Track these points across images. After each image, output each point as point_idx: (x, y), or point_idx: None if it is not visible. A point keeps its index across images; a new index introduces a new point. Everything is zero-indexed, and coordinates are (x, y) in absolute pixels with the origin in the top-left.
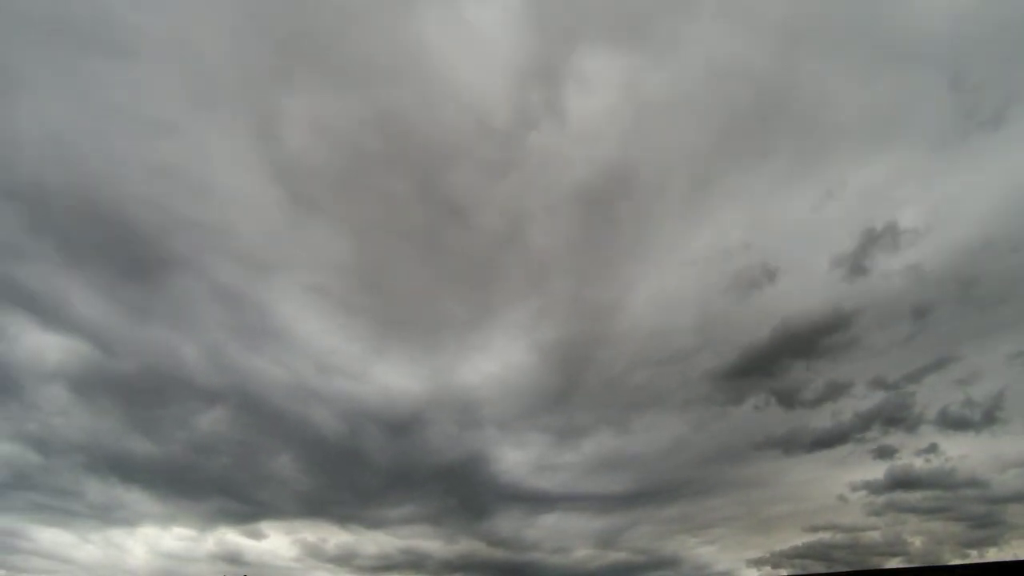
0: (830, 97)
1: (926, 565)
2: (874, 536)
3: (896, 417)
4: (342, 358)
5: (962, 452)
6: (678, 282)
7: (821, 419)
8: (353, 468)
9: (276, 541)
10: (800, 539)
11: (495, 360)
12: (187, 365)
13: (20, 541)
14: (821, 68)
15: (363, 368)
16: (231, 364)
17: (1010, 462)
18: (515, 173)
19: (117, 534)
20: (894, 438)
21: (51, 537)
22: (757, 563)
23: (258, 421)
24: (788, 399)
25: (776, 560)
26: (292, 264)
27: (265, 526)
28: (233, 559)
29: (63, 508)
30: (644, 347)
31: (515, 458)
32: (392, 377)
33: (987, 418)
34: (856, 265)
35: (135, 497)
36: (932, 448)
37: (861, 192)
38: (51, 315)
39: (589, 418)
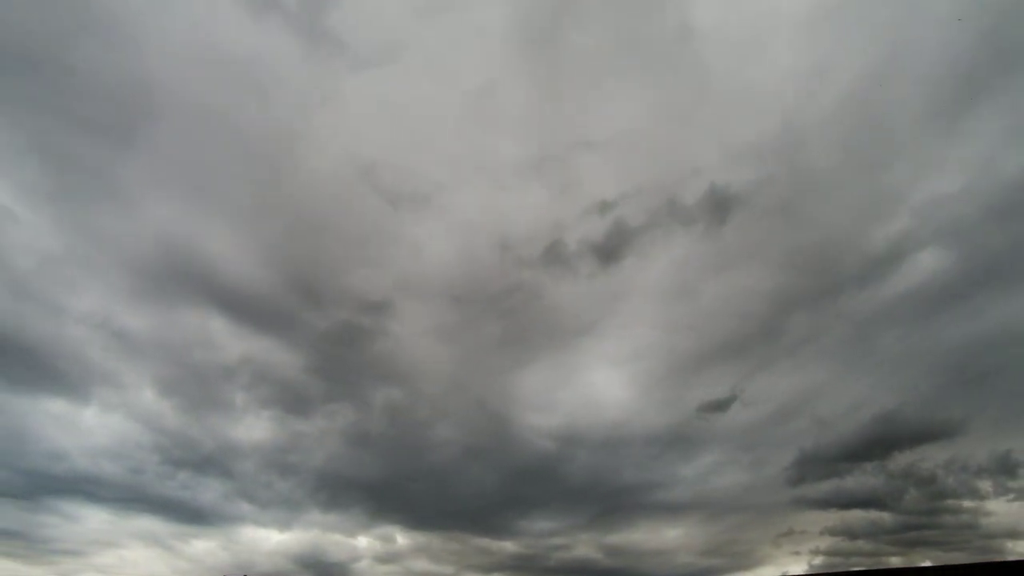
0: None
1: (927, 565)
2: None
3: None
4: (608, 409)
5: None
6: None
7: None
8: (534, 487)
9: (397, 546)
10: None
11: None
12: (455, 413)
13: (176, 543)
14: None
15: (620, 415)
16: (503, 414)
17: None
18: None
19: (259, 537)
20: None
21: (199, 542)
22: None
23: (487, 455)
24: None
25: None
26: (629, 356)
27: (400, 534)
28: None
29: (241, 517)
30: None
31: (681, 480)
32: (637, 418)
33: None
34: None
35: (315, 509)
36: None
37: None
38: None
39: (762, 455)
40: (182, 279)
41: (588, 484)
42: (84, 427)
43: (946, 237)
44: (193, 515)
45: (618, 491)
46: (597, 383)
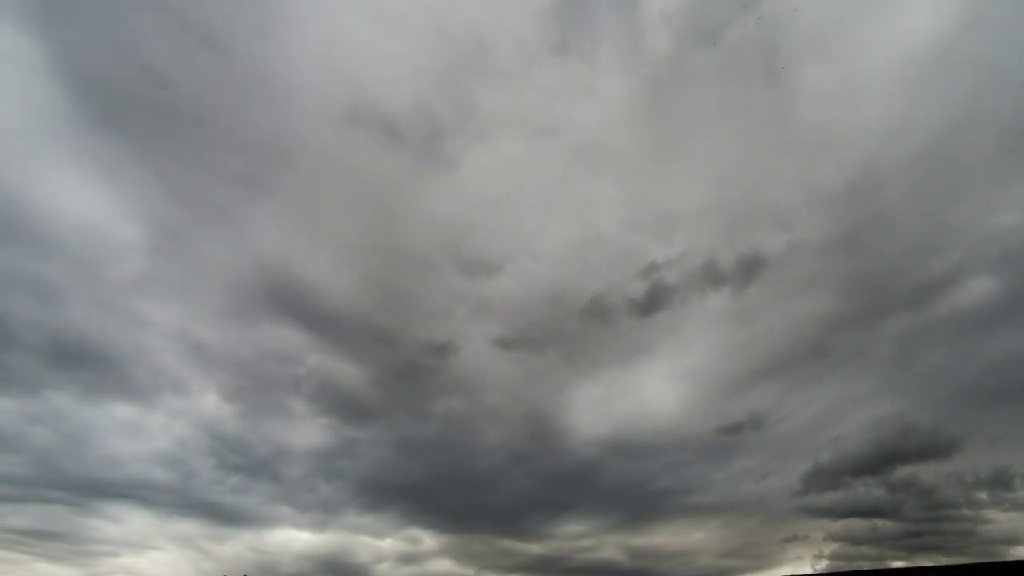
0: None
1: (928, 566)
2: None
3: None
4: (653, 420)
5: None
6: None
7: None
8: (571, 492)
9: (422, 548)
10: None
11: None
12: (508, 423)
13: (210, 545)
14: None
15: (663, 425)
16: (554, 424)
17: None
18: None
19: (289, 539)
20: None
21: (230, 544)
22: None
23: (531, 462)
24: None
25: None
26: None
27: (428, 536)
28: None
29: (278, 519)
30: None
31: (707, 486)
32: (678, 428)
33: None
34: None
35: (352, 512)
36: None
37: None
38: None
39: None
40: (273, 299)
41: (622, 488)
42: (147, 433)
43: (999, 266)
44: (232, 518)
45: (649, 495)
46: (648, 397)
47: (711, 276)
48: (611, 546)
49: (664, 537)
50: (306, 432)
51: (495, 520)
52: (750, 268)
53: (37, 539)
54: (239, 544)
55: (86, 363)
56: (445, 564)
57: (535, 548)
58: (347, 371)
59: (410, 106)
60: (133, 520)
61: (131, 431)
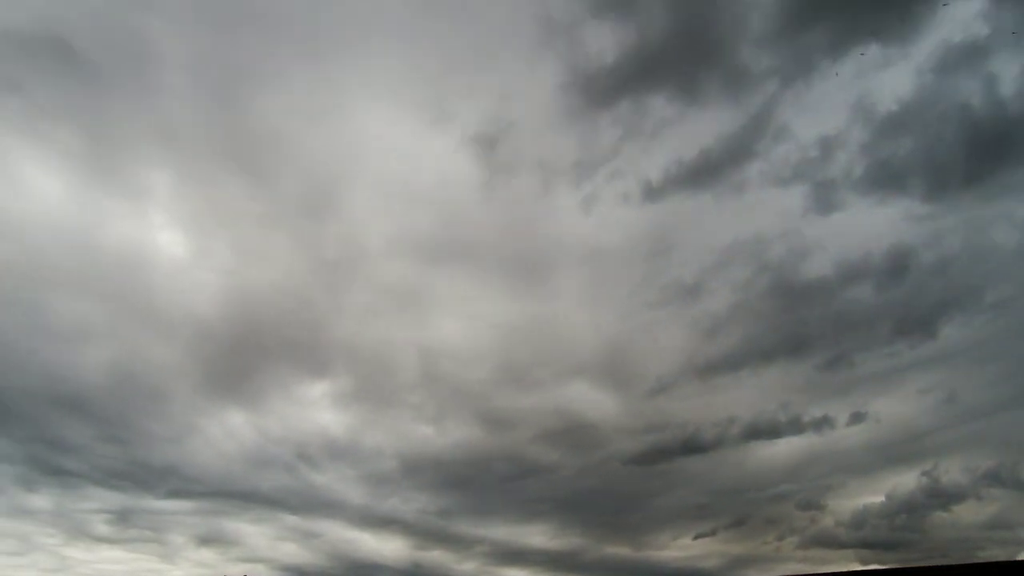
0: None
1: (926, 565)
2: None
3: None
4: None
5: None
6: None
7: None
8: (715, 506)
9: (517, 552)
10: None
11: None
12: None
13: (321, 543)
14: None
15: (836, 461)
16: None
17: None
18: None
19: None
20: None
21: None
22: None
23: (697, 481)
24: None
25: None
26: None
27: (538, 542)
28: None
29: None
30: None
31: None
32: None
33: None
34: None
35: (495, 524)
36: None
37: None
38: None
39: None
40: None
41: (762, 504)
42: (381, 457)
43: None
44: (375, 527)
45: (770, 512)
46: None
47: None
48: (713, 555)
49: (757, 546)
50: (521, 459)
51: (617, 531)
52: None
53: (192, 550)
54: (356, 547)
55: (368, 378)
56: (518, 571)
57: (637, 555)
58: (598, 413)
59: None
60: (281, 530)
61: (371, 456)
